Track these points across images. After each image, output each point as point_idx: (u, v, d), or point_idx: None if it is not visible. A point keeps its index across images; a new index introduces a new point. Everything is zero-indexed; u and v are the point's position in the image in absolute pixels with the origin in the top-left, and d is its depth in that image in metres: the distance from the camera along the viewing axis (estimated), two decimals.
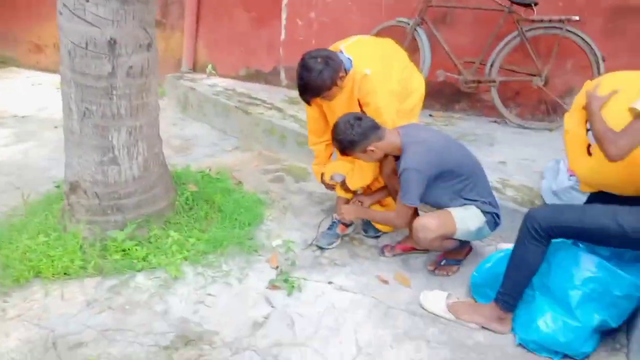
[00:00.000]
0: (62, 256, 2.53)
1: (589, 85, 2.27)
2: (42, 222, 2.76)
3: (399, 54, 2.87)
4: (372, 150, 2.51)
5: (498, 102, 4.24)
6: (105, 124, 2.56)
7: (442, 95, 4.59)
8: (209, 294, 2.48)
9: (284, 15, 5.12)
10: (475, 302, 2.44)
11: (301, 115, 4.31)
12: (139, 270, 2.59)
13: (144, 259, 2.63)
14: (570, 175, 3.01)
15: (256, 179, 3.69)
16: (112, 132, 2.59)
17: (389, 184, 2.80)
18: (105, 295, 2.43)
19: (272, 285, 2.55)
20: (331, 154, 3.01)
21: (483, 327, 2.28)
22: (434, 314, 2.37)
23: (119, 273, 2.56)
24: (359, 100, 2.68)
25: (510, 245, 2.64)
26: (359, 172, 2.81)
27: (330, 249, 2.87)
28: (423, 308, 2.41)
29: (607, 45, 3.86)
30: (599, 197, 2.34)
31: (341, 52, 2.68)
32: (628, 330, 2.21)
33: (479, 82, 4.25)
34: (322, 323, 2.31)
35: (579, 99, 2.27)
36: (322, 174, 2.97)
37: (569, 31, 3.86)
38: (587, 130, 2.25)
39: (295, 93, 5.07)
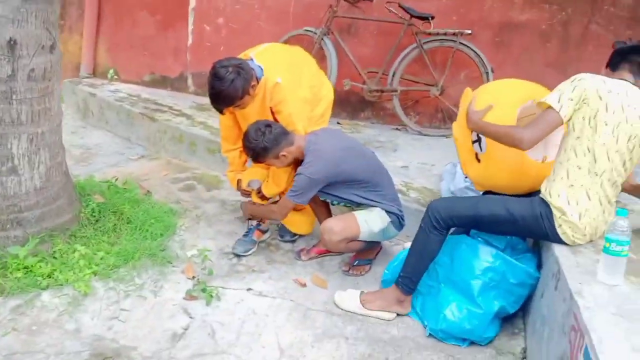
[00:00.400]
0: None
1: (468, 94, 2.51)
2: None
3: (308, 61, 2.95)
4: (284, 155, 2.59)
5: (399, 111, 4.48)
6: (3, 130, 2.40)
7: (348, 104, 4.77)
8: (123, 309, 2.40)
9: (190, 20, 5.05)
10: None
11: (211, 122, 4.28)
12: (44, 288, 2.43)
13: (49, 276, 2.48)
14: (466, 177, 3.28)
15: (166, 189, 3.61)
16: (12, 140, 2.43)
17: None
18: (9, 317, 2.26)
19: (190, 296, 2.51)
20: (246, 161, 3.03)
21: (384, 311, 2.42)
22: (349, 312, 2.47)
23: (23, 292, 2.39)
24: (271, 108, 2.73)
25: None
26: (273, 178, 2.86)
27: (247, 256, 2.88)
28: (339, 307, 2.50)
29: (495, 57, 4.24)
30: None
31: (252, 60, 2.71)
32: (524, 315, 2.45)
33: (382, 91, 4.47)
34: (244, 329, 2.33)
35: (463, 109, 2.51)
36: (239, 181, 2.98)
37: (462, 44, 4.18)
38: (473, 142, 2.49)
39: (203, 99, 5.04)
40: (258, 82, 2.65)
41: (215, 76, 2.54)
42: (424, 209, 3.05)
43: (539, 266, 2.35)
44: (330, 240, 2.58)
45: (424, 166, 3.73)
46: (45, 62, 2.43)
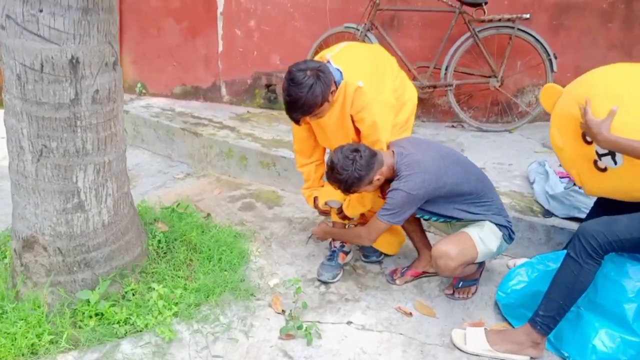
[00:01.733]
0: (26, 332, 2.03)
1: (552, 91, 2.20)
2: None
3: (389, 62, 2.63)
4: (378, 179, 2.28)
5: (455, 106, 4.17)
6: (68, 163, 2.10)
7: None
8: (216, 356, 2.11)
9: (220, 25, 4.75)
10: (509, 326, 2.28)
11: (258, 134, 3.99)
12: (122, 337, 2.15)
13: (125, 322, 2.20)
14: (561, 178, 2.98)
15: (224, 209, 3.31)
16: (77, 172, 2.13)
17: None
18: None
19: (286, 335, 2.22)
20: (322, 175, 2.73)
21: (515, 354, 2.10)
22: (475, 355, 2.14)
23: (99, 343, 2.11)
24: (352, 116, 2.42)
25: (521, 261, 2.54)
26: (357, 198, 2.55)
27: (335, 283, 2.59)
28: (460, 350, 2.15)
29: (554, 42, 3.95)
30: (607, 199, 2.23)
31: (329, 62, 2.41)
32: None
33: (435, 87, 4.18)
34: None
35: (560, 111, 2.16)
36: (315, 199, 2.69)
37: (520, 30, 3.89)
38: (601, 155, 2.07)
39: (240, 109, 4.75)
40: (337, 87, 2.35)
41: (291, 81, 2.22)
42: (523, 216, 2.80)
43: None
44: (446, 267, 2.23)
45: (501, 166, 3.43)
46: (109, 82, 2.13)
